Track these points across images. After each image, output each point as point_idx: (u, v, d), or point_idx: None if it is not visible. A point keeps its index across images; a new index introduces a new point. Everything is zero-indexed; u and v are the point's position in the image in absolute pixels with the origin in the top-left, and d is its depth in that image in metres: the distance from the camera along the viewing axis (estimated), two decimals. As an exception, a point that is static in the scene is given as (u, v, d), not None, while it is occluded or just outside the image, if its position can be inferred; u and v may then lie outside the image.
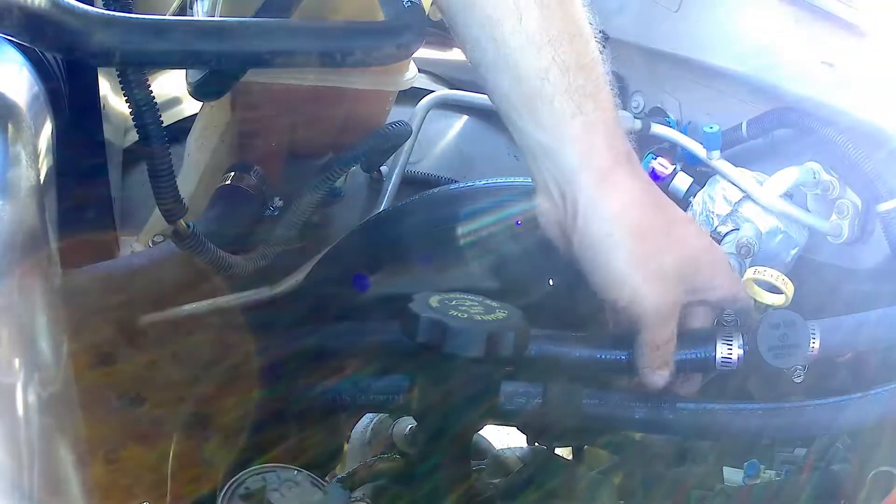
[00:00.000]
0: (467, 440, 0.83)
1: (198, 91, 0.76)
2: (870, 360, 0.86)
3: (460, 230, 0.97)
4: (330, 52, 0.59)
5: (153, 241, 0.84)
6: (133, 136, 0.83)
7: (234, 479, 0.66)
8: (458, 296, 0.80)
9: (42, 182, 0.47)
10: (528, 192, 0.94)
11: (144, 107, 0.66)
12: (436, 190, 0.93)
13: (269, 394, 0.87)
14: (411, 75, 0.91)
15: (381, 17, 0.64)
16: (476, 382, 0.78)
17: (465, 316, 0.75)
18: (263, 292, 0.88)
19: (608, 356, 0.84)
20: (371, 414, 1.04)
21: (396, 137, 0.93)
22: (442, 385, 0.78)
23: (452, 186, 0.93)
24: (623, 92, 1.23)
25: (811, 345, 0.83)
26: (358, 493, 0.79)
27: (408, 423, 1.02)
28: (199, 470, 0.76)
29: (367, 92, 0.88)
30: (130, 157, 0.90)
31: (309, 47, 0.58)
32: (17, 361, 0.35)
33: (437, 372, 0.77)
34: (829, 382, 0.87)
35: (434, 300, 0.78)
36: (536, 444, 1.11)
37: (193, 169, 0.87)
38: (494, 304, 0.80)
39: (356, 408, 0.90)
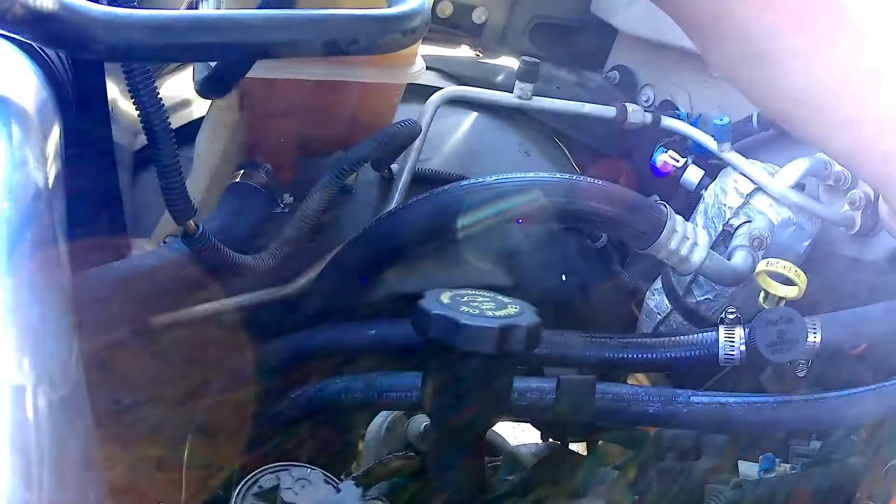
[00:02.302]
0: (480, 437, 0.83)
1: (204, 88, 0.76)
2: (883, 352, 0.85)
3: (472, 227, 0.97)
4: (335, 41, 0.59)
5: (164, 243, 0.84)
6: (143, 139, 0.83)
7: (248, 478, 0.66)
8: (470, 292, 0.80)
9: (50, 184, 0.47)
10: (539, 188, 0.94)
11: (151, 108, 0.66)
12: (447, 187, 0.92)
13: (280, 394, 0.88)
14: (418, 68, 0.90)
15: (384, 6, 0.64)
16: (488, 378, 0.78)
17: (477, 312, 0.75)
18: (274, 292, 0.88)
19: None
20: (386, 412, 1.04)
21: (406, 135, 0.93)
22: (454, 382, 0.78)
23: (464, 183, 0.92)
24: (633, 85, 1.23)
25: (812, 339, 0.84)
26: (373, 492, 0.79)
27: (422, 421, 1.02)
28: (212, 470, 0.77)
29: (373, 86, 0.88)
30: (141, 158, 0.90)
31: (314, 36, 0.58)
32: (26, 363, 0.35)
33: (449, 369, 0.77)
34: (840, 375, 0.87)
35: (445, 297, 0.78)
36: (550, 440, 1.11)
37: (203, 168, 0.87)
38: (506, 299, 0.80)
39: (369, 406, 0.89)
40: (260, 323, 0.88)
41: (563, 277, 1.17)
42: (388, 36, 0.62)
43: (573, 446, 0.96)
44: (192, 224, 0.73)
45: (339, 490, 0.65)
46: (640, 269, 1.21)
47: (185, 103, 1.00)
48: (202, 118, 0.90)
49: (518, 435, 1.10)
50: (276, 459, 0.69)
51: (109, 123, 0.71)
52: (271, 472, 0.66)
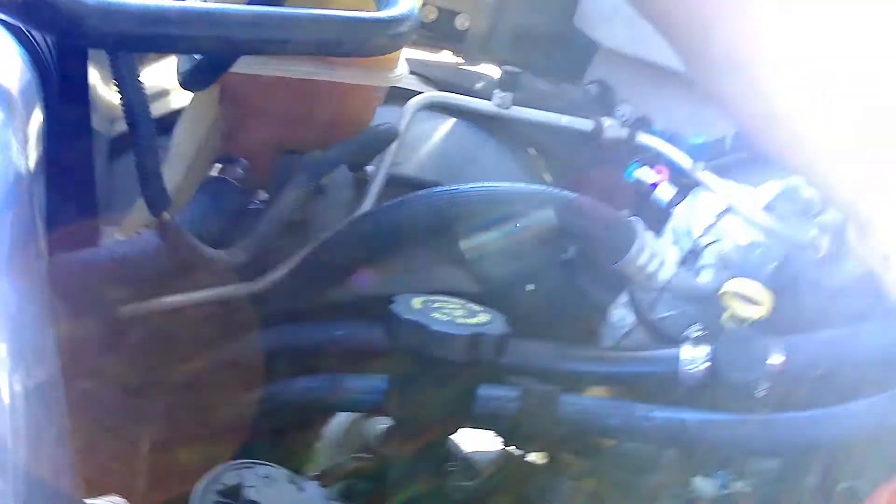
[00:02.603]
0: (443, 443, 0.83)
1: (187, 81, 0.76)
2: (843, 377, 0.87)
3: (446, 233, 0.98)
4: (323, 41, 0.60)
5: (136, 233, 0.83)
6: (120, 126, 0.82)
7: (210, 474, 0.65)
8: (442, 299, 0.80)
9: (31, 168, 0.47)
10: (517, 198, 0.95)
11: (134, 96, 0.65)
12: (424, 192, 0.93)
13: (245, 391, 0.87)
14: (401, 72, 0.91)
15: (372, 8, 0.65)
16: (455, 386, 0.79)
17: (448, 319, 0.76)
18: (243, 288, 0.87)
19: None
20: (345, 413, 1.04)
21: (384, 139, 0.93)
22: (421, 387, 0.78)
23: (440, 189, 0.93)
24: (610, 100, 1.24)
25: (775, 361, 0.85)
26: (329, 493, 0.79)
27: (381, 423, 1.02)
28: (173, 466, 0.76)
29: (355, 87, 0.88)
30: (117, 146, 0.89)
31: (302, 35, 0.58)
32: (3, 349, 0.35)
33: (417, 374, 0.78)
34: (800, 397, 0.89)
35: (417, 302, 0.79)
36: (509, 448, 1.11)
37: (179, 160, 0.87)
38: (477, 308, 0.80)
39: (333, 407, 0.90)
40: (227, 318, 0.87)
41: (530, 287, 1.18)
42: (377, 39, 0.62)
43: (531, 456, 0.97)
44: (167, 216, 0.73)
45: (302, 490, 0.65)
46: (606, 281, 1.22)
47: (164, 93, 0.99)
48: (181, 109, 0.89)
49: (476, 440, 1.10)
50: (236, 455, 0.69)
51: (89, 108, 0.70)
52: (234, 469, 0.66)
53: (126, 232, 0.84)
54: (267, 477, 0.65)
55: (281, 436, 0.92)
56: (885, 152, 0.65)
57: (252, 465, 0.67)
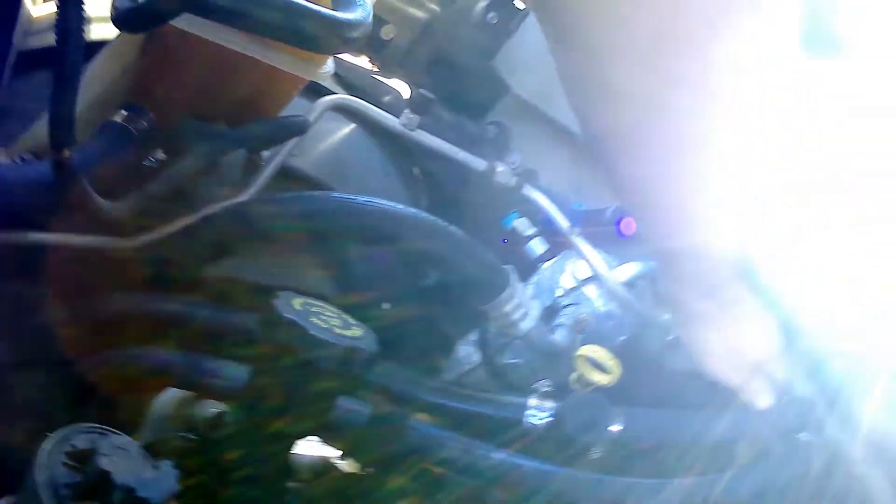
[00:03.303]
0: (289, 446, 0.83)
1: (122, 19, 0.72)
2: (668, 454, 0.93)
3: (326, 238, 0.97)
4: (279, 25, 0.59)
5: (21, 157, 0.78)
6: (34, 42, 0.77)
7: (59, 433, 0.62)
8: (319, 304, 0.80)
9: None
10: (406, 221, 0.96)
11: (74, 21, 0.62)
12: (315, 194, 0.92)
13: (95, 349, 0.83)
14: (327, 69, 0.90)
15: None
16: (319, 393, 0.79)
17: (326, 326, 0.76)
18: (119, 242, 0.84)
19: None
20: (176, 389, 1.00)
21: (294, 130, 0.92)
22: (284, 387, 0.78)
23: (334, 195, 0.92)
24: (505, 145, 1.27)
25: (614, 428, 0.91)
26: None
27: (212, 407, 0.99)
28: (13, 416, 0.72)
29: (281, 73, 0.86)
30: (24, 61, 0.83)
31: (265, 15, 0.57)
32: None
33: (283, 373, 0.77)
34: (629, 464, 0.94)
35: (297, 302, 0.78)
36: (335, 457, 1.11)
37: (85, 95, 0.82)
38: (352, 321, 0.81)
39: (182, 384, 0.87)
40: (94, 270, 0.83)
41: (385, 306, 1.19)
42: (330, 38, 0.62)
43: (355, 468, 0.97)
44: (68, 154, 0.69)
45: (157, 468, 0.63)
46: (460, 317, 1.25)
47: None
48: (102, 43, 0.84)
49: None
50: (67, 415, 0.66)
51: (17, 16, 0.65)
52: (86, 433, 0.63)
53: (10, 155, 0.78)
54: (121, 448, 0.63)
55: (113, 401, 0.89)
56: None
57: (105, 431, 0.64)
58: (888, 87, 0.80)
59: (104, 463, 0.60)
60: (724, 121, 0.65)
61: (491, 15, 1.29)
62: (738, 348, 0.86)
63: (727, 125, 0.66)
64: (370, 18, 0.65)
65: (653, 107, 0.63)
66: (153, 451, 0.81)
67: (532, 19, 1.27)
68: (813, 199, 0.81)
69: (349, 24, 0.64)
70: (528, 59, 1.23)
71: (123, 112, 0.82)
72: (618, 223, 1.02)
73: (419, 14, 1.26)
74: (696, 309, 0.84)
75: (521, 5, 1.28)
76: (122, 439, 0.63)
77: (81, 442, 0.62)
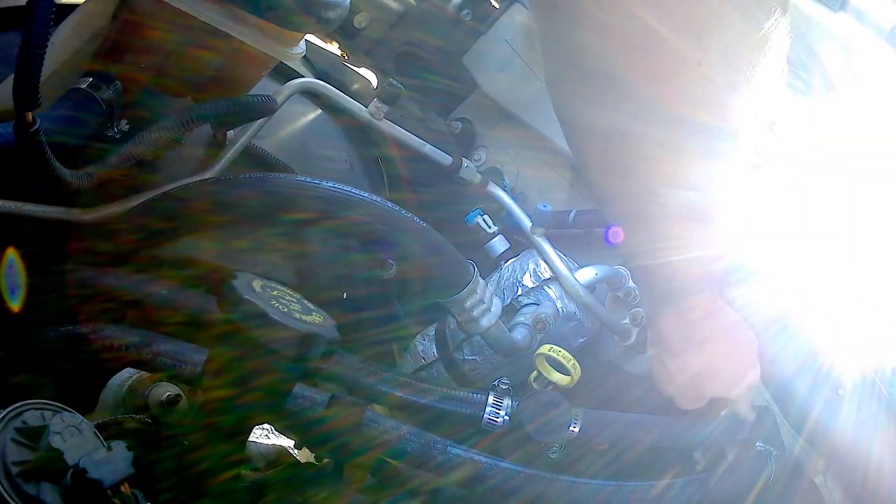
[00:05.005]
0: (244, 431, 0.81)
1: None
2: (622, 454, 0.94)
3: (286, 221, 0.95)
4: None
5: (-19, 119, 0.74)
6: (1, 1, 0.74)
7: (11, 408, 0.59)
8: (280, 287, 0.78)
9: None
10: (369, 208, 0.94)
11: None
12: (280, 176, 0.90)
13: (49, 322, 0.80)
14: (299, 52, 0.88)
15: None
16: (276, 378, 0.77)
17: (286, 310, 0.74)
18: (76, 214, 0.81)
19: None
20: (131, 369, 0.98)
21: (260, 110, 0.90)
22: (241, 372, 0.75)
23: (297, 177, 0.90)
24: (471, 142, 1.27)
25: (572, 428, 0.91)
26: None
27: (166, 390, 0.97)
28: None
29: (252, 51, 0.84)
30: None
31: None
32: None
33: (240, 357, 0.75)
34: (584, 464, 0.94)
35: (257, 284, 0.76)
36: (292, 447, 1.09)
37: (52, 58, 0.78)
38: (311, 306, 0.79)
39: (137, 363, 0.84)
40: (49, 240, 0.80)
41: (345, 295, 1.17)
42: (305, 16, 0.61)
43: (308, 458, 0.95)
44: (31, 117, 0.66)
45: (110, 449, 0.60)
46: (418, 311, 1.24)
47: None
48: (72, 6, 0.81)
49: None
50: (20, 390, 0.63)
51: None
52: (38, 409, 0.60)
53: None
54: (73, 427, 0.60)
55: (66, 378, 0.86)
56: None
57: (59, 409, 0.61)
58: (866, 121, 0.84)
59: (56, 441, 0.58)
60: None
61: (465, 12, 1.29)
62: (700, 384, 0.88)
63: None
64: (348, 2, 0.63)
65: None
66: (106, 431, 0.79)
67: (504, 20, 1.27)
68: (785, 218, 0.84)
69: (326, 4, 0.62)
70: (498, 61, 1.23)
71: (89, 79, 0.79)
72: (606, 231, 1.02)
73: (394, 5, 1.25)
74: (667, 335, 0.85)
75: (496, 4, 1.28)
76: (75, 418, 0.61)
77: (32, 418, 0.59)
